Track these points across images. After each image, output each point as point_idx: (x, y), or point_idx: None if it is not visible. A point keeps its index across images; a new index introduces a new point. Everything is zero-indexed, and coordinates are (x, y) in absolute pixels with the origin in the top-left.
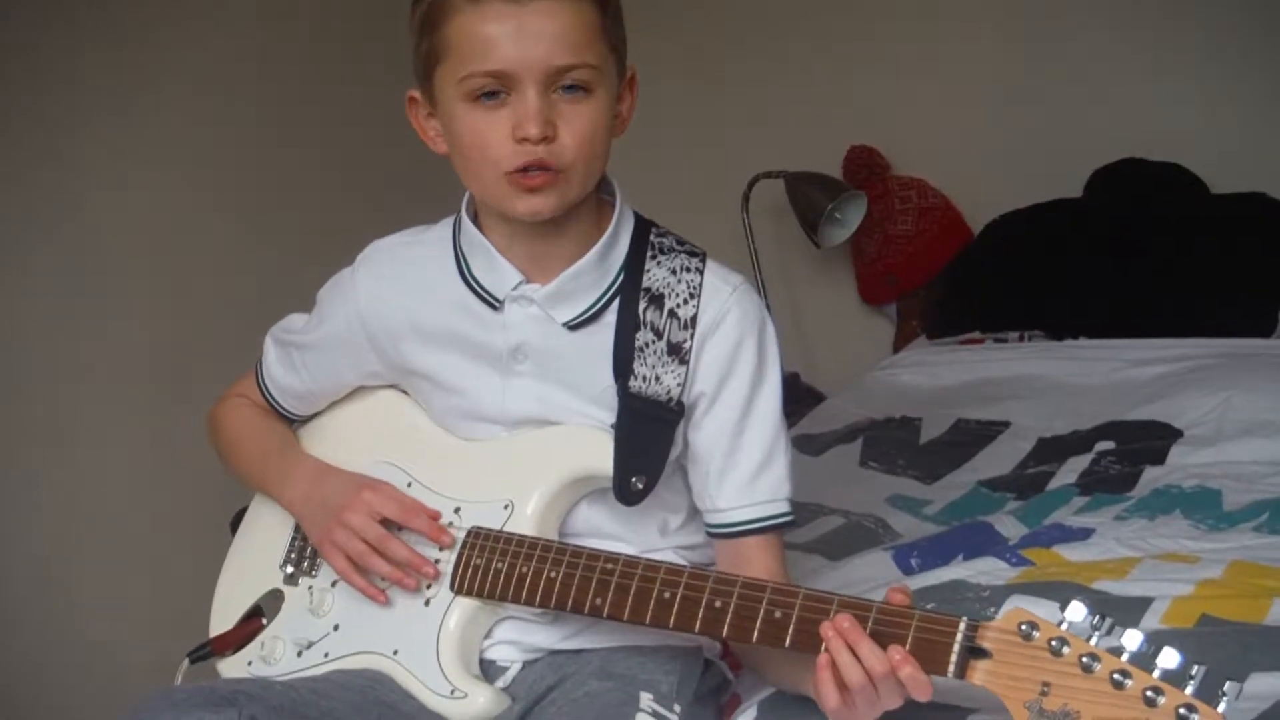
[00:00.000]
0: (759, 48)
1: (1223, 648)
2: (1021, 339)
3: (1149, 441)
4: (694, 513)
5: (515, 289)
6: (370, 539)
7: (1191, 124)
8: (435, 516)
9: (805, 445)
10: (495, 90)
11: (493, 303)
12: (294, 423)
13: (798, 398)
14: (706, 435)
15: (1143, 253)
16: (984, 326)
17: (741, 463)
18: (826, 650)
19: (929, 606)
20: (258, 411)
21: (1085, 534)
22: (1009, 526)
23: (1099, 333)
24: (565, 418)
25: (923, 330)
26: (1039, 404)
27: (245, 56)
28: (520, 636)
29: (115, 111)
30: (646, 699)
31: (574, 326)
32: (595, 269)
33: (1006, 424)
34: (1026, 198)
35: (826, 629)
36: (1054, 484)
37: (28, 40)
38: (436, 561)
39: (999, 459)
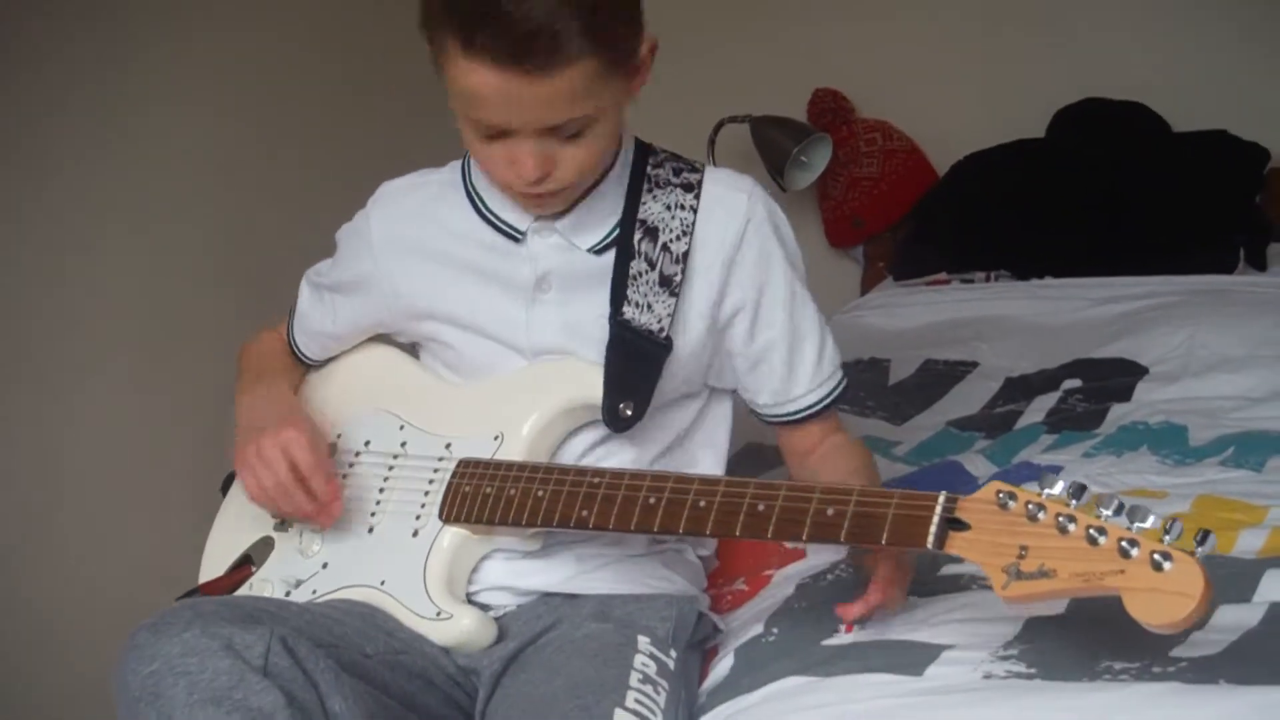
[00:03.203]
0: None
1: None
2: (988, 279)
3: (1115, 379)
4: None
5: (537, 219)
6: (280, 476)
7: (1154, 63)
8: (334, 489)
9: None
10: (493, 132)
11: (515, 235)
12: (307, 366)
13: None
14: (764, 340)
15: (1107, 191)
16: (950, 267)
17: (807, 351)
18: None
19: None
20: (274, 345)
21: (1054, 471)
22: (978, 465)
23: (1064, 272)
24: (583, 345)
25: (889, 272)
26: (1006, 343)
27: (239, 41)
28: (513, 580)
29: (98, 83)
30: (644, 641)
31: (598, 252)
32: (612, 194)
33: (974, 364)
34: (991, 139)
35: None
36: (1022, 422)
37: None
38: (426, 494)
39: (967, 399)
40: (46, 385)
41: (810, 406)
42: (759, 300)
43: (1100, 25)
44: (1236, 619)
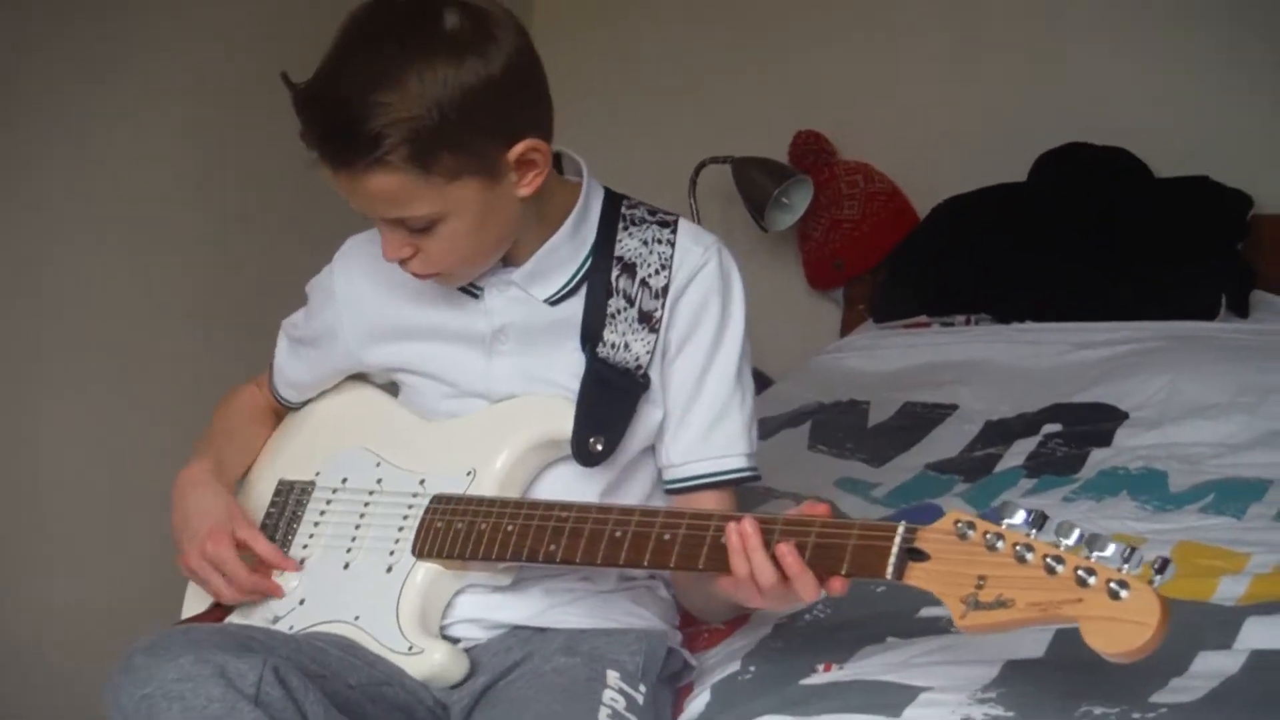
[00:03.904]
0: (705, 33)
1: (1170, 627)
2: (968, 323)
3: (1095, 424)
4: None
5: (493, 274)
6: (219, 586)
7: (1137, 108)
8: (261, 582)
9: None
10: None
11: (473, 291)
12: (288, 410)
13: None
14: (668, 392)
15: (1088, 236)
16: (931, 310)
17: (697, 418)
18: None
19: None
20: (242, 405)
21: None
22: (957, 509)
23: (1045, 316)
24: (545, 389)
25: (870, 315)
26: (986, 387)
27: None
28: (483, 614)
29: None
30: (613, 676)
31: (554, 302)
32: (568, 243)
33: (954, 407)
34: (972, 182)
35: (731, 534)
36: (1001, 466)
37: None
38: (399, 530)
39: (947, 442)
40: (27, 394)
41: (689, 479)
42: (679, 351)
43: (1084, 71)
44: (1217, 666)
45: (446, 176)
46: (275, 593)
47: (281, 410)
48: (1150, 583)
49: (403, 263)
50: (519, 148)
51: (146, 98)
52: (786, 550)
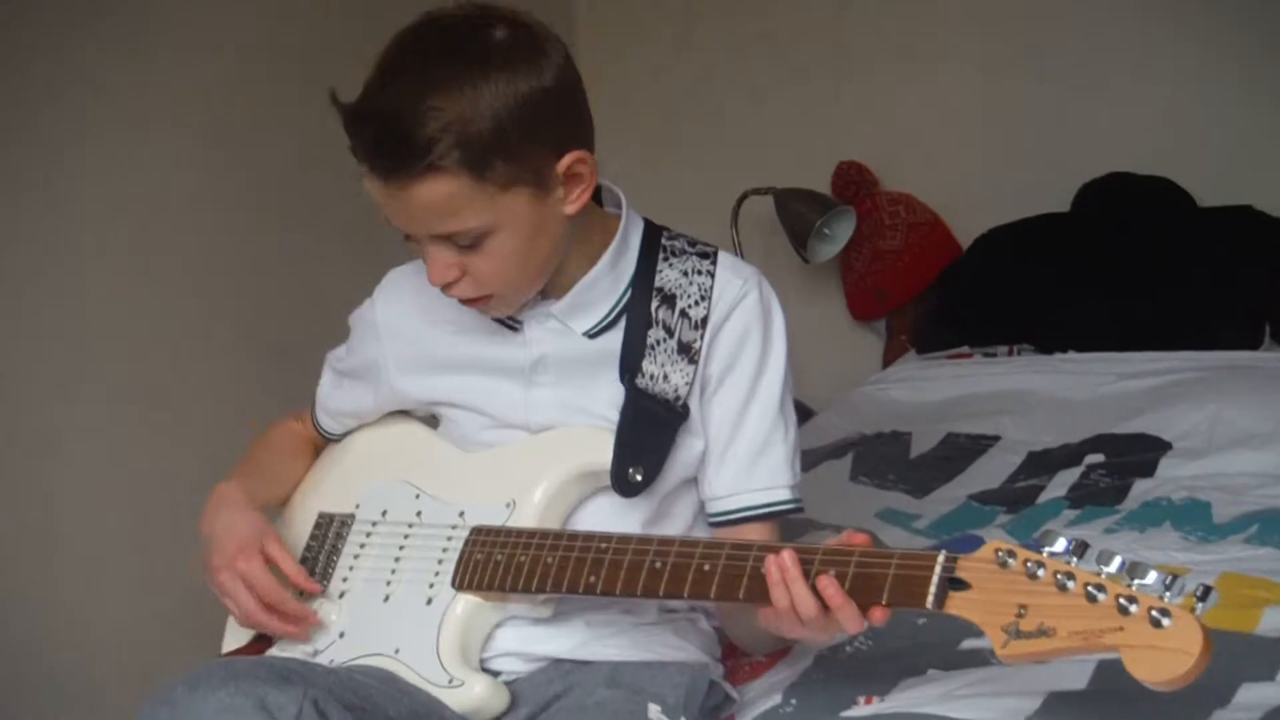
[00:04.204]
0: (749, 64)
1: (1213, 658)
2: (1010, 353)
3: (1138, 454)
4: None
5: (533, 307)
6: (248, 609)
7: (1179, 138)
8: (299, 612)
9: None
10: (407, 236)
11: (512, 325)
12: (328, 442)
13: None
14: (709, 422)
15: (1131, 266)
16: (973, 341)
17: (740, 450)
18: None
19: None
20: (281, 436)
21: None
22: (999, 539)
23: (1088, 346)
24: (583, 420)
25: (912, 345)
26: (1028, 418)
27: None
28: (524, 647)
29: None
30: (655, 710)
31: (593, 335)
32: (607, 276)
33: (996, 438)
34: (1014, 212)
35: (770, 566)
36: (1044, 497)
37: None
38: (439, 562)
39: (989, 473)
40: (44, 404)
41: (733, 512)
42: (720, 383)
43: (1126, 100)
44: (1261, 697)
45: (499, 185)
46: (304, 615)
47: (321, 443)
48: (1192, 610)
49: (447, 288)
50: (567, 159)
51: (166, 106)
52: (828, 582)
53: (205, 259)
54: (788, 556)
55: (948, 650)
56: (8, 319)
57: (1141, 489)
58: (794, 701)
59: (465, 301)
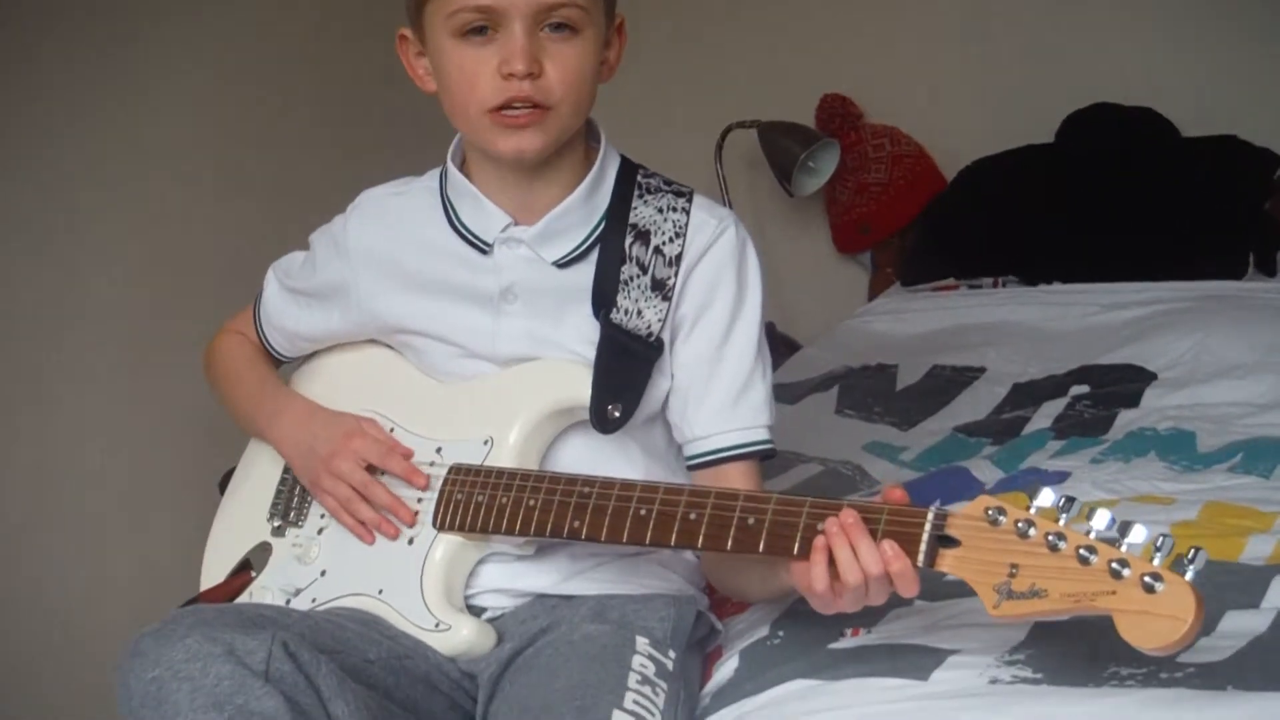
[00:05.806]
0: None
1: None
2: (996, 285)
3: (1123, 385)
4: (678, 453)
5: (504, 231)
6: (355, 484)
7: (1163, 67)
8: (408, 455)
9: (781, 394)
10: (483, 26)
11: (482, 247)
12: (280, 365)
13: (773, 347)
14: (685, 363)
15: (1116, 197)
16: (958, 273)
17: (719, 389)
18: (824, 538)
19: None
20: (254, 349)
21: (1061, 477)
22: (985, 471)
23: (1073, 278)
24: (553, 353)
25: (897, 278)
26: (1013, 349)
27: (229, 43)
28: (508, 582)
29: (93, 67)
30: (643, 643)
31: (563, 265)
32: (582, 207)
33: (982, 369)
34: (999, 144)
35: (831, 524)
36: (1029, 428)
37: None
38: (419, 500)
39: (974, 404)
40: (39, 388)
41: (714, 452)
42: (695, 322)
43: (1109, 30)
44: (1245, 625)
45: None
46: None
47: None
48: (1183, 574)
49: (524, 80)
50: (618, 17)
51: (162, 97)
52: (889, 546)
53: (205, 258)
54: (848, 515)
55: (934, 581)
56: (8, 320)
57: (1126, 419)
58: (781, 633)
59: (517, 117)
